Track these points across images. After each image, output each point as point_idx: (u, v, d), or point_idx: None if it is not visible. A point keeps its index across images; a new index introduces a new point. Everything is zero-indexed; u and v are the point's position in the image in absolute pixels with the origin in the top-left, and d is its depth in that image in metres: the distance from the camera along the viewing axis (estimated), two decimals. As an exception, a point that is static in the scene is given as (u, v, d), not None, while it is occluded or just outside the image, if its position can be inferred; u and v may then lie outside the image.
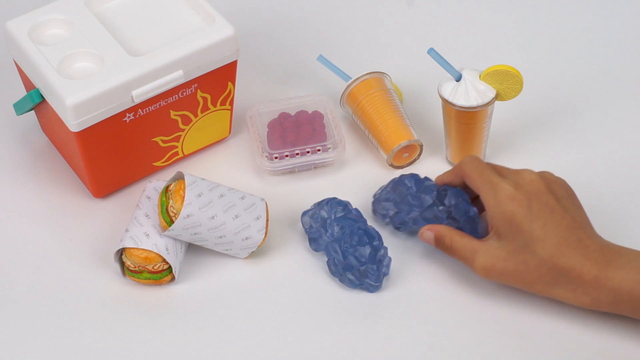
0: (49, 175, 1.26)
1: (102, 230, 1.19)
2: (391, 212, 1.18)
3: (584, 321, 1.11)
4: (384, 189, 1.20)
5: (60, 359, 1.09)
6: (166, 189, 1.14)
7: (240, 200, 1.14)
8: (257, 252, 1.17)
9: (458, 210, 1.16)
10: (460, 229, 1.15)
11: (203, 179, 1.13)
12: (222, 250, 1.15)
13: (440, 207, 1.16)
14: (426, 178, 1.19)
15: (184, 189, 1.11)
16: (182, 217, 1.10)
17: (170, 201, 1.12)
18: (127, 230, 1.13)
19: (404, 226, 1.18)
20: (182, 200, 1.11)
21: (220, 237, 1.12)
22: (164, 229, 1.12)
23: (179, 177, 1.15)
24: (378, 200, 1.20)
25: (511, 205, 1.08)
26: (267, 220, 1.15)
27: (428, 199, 1.17)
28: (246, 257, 1.16)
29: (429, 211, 1.16)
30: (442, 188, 1.17)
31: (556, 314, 1.12)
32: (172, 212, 1.11)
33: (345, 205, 1.18)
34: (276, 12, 1.47)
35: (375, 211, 1.20)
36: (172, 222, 1.11)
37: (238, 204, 1.13)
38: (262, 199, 1.16)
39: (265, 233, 1.14)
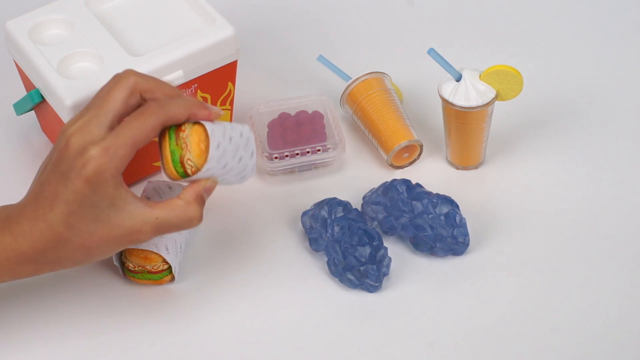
0: (49, 175, 1.26)
1: (102, 230, 1.19)
2: (380, 216, 1.18)
3: (584, 322, 1.12)
4: (374, 191, 1.20)
5: (60, 359, 1.09)
6: (176, 133, 1.03)
7: (240, 138, 1.06)
8: (257, 252, 1.17)
9: (449, 219, 1.16)
10: (449, 237, 1.15)
11: (214, 123, 1.04)
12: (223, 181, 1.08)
13: (431, 215, 1.16)
14: (417, 184, 1.19)
15: (204, 140, 1.02)
16: (202, 173, 1.03)
17: (187, 153, 1.02)
18: (127, 231, 1.13)
19: (392, 231, 1.18)
20: (203, 155, 1.02)
21: (222, 180, 1.06)
22: (171, 178, 1.04)
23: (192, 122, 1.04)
24: (367, 202, 1.19)
25: None
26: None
27: (419, 206, 1.16)
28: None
29: (419, 218, 1.16)
30: (433, 196, 1.17)
31: (557, 314, 1.12)
32: (190, 164, 1.02)
33: (345, 205, 1.18)
34: (276, 12, 1.47)
35: (364, 213, 1.20)
36: (185, 173, 1.03)
37: (240, 144, 1.06)
38: (249, 128, 1.08)
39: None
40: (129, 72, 1.02)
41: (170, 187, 1.17)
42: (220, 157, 1.03)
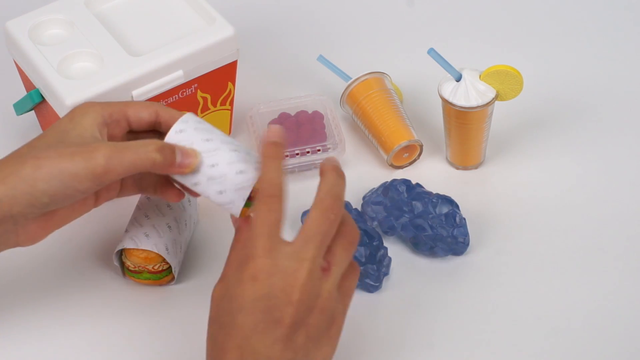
0: (49, 175, 1.25)
1: (102, 231, 1.19)
2: (380, 216, 1.18)
3: (585, 322, 1.12)
4: (374, 191, 1.20)
5: (60, 359, 1.09)
6: None
7: (244, 148, 1.03)
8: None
9: (449, 219, 1.16)
10: (449, 237, 1.15)
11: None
12: (215, 194, 1.02)
13: (431, 215, 1.16)
14: (417, 184, 1.19)
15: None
16: (173, 132, 1.01)
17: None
18: (126, 231, 1.13)
19: (392, 231, 1.18)
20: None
21: (213, 165, 1.01)
22: None
23: None
24: (367, 202, 1.20)
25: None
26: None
27: (419, 206, 1.16)
28: (241, 216, 1.03)
29: (419, 218, 1.16)
30: (433, 196, 1.17)
31: (557, 314, 1.12)
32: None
33: (345, 205, 1.18)
34: (276, 12, 1.47)
35: (364, 213, 1.20)
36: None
37: (240, 148, 1.03)
38: (254, 153, 1.04)
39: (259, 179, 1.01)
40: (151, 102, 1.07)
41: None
42: (199, 129, 1.01)
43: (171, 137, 1.01)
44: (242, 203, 1.02)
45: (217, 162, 1.01)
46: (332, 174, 0.95)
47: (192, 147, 1.01)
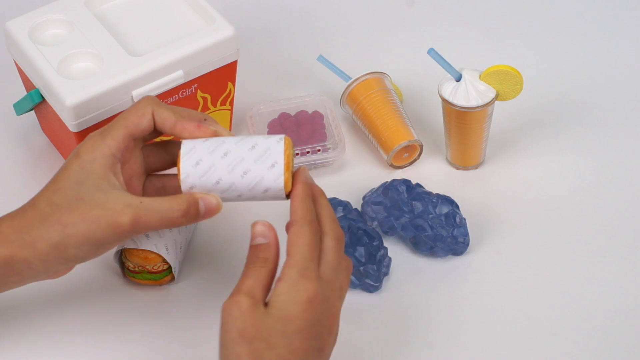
0: (49, 175, 1.25)
1: (102, 230, 1.19)
2: (380, 216, 1.18)
3: (585, 322, 1.12)
4: (374, 191, 1.20)
5: (60, 359, 1.09)
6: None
7: (249, 151, 1.02)
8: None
9: (449, 219, 1.16)
10: (449, 237, 1.15)
11: (206, 140, 1.02)
12: (260, 200, 1.04)
13: (431, 215, 1.16)
14: (417, 184, 1.19)
15: (180, 159, 1.02)
16: (184, 188, 1.01)
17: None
18: (127, 231, 1.13)
19: (392, 231, 1.18)
20: (179, 173, 1.01)
21: (239, 195, 1.02)
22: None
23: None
24: (367, 202, 1.20)
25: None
26: (288, 162, 1.01)
27: (419, 206, 1.16)
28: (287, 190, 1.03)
29: (419, 218, 1.16)
30: (433, 196, 1.17)
31: (557, 314, 1.12)
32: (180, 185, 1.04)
33: (345, 205, 1.18)
34: (276, 12, 1.47)
35: (364, 213, 1.20)
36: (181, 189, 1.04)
37: (247, 157, 1.01)
38: (281, 138, 1.02)
39: (286, 179, 1.01)
40: (144, 98, 1.04)
41: None
42: (205, 175, 1.01)
43: (186, 191, 1.01)
44: (285, 198, 1.02)
45: (240, 193, 1.02)
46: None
47: (211, 193, 1.02)
